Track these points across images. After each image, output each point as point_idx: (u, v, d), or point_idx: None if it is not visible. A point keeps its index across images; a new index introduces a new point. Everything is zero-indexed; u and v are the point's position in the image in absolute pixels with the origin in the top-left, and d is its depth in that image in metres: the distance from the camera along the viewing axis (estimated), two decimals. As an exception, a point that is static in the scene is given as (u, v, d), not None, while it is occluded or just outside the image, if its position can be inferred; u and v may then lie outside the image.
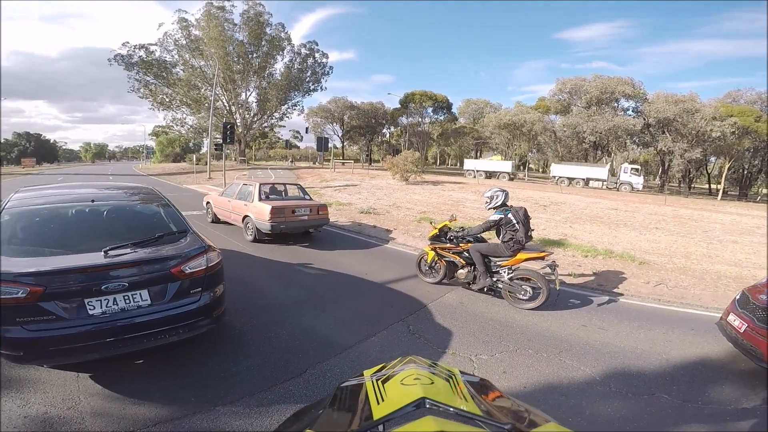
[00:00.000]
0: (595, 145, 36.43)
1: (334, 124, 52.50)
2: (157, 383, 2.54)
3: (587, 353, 3.25)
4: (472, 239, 4.66)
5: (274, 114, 41.68)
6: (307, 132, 49.91)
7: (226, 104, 37.85)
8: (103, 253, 2.47)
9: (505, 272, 4.30)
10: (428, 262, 4.90)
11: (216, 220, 8.56)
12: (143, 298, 2.50)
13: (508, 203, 4.43)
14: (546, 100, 40.83)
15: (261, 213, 6.69)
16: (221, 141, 16.66)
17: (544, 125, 39.28)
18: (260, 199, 6.98)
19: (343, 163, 33.21)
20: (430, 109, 47.78)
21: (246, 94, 39.03)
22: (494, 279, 4.36)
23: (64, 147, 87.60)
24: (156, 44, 34.20)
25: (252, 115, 40.52)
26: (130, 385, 2.50)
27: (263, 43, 36.66)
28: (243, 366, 2.78)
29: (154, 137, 64.20)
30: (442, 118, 49.04)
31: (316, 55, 40.72)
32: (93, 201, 3.14)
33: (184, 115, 38.12)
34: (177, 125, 39.09)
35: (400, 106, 47.49)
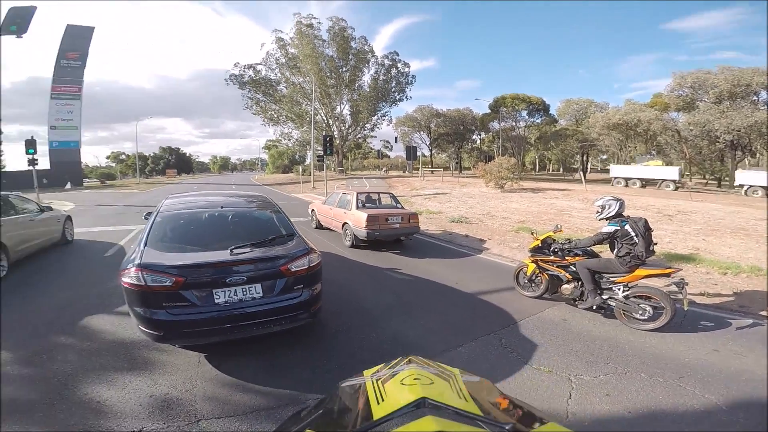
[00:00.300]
0: (733, 145, 29.41)
1: (421, 132, 53.27)
2: (258, 375, 2.82)
3: (715, 380, 2.82)
4: (580, 252, 4.30)
5: (366, 125, 44.15)
6: (396, 141, 51.78)
7: (324, 118, 41.51)
8: (229, 251, 2.93)
9: (619, 289, 3.91)
10: (528, 274, 4.68)
11: (319, 226, 9.46)
12: (257, 291, 2.92)
13: (624, 213, 4.01)
14: (663, 96, 35.35)
15: (358, 220, 7.22)
16: (323, 153, 18.14)
17: (663, 124, 33.62)
18: (358, 208, 7.54)
19: (432, 172, 33.42)
20: (524, 112, 45.13)
21: (340, 107, 42.35)
22: (605, 297, 3.99)
23: (197, 159, 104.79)
24: (261, 63, 39.45)
25: (347, 126, 43.60)
26: (238, 373, 2.84)
27: (350, 56, 39.36)
28: (334, 364, 3.00)
29: (267, 150, 73.85)
30: (539, 120, 45.78)
31: (399, 65, 42.14)
32: (222, 207, 3.75)
33: (290, 129, 43.09)
34: (284, 139, 44.39)
35: (490, 111, 45.95)
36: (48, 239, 6.79)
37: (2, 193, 6.10)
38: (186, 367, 2.91)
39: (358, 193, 7.97)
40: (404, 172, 46.53)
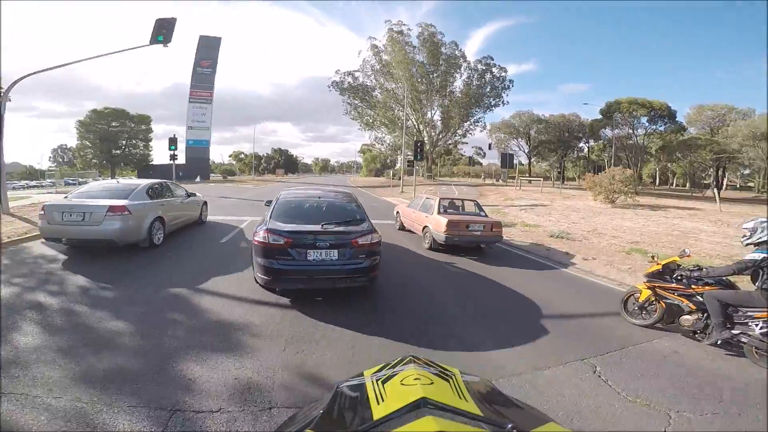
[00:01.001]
0: None
1: (519, 139, 50.39)
2: (338, 373, 2.83)
3: None
4: (712, 282, 3.76)
5: (458, 131, 43.76)
6: (490, 148, 50.13)
7: (415, 123, 42.42)
8: (320, 226, 4.22)
9: (756, 325, 3.38)
10: (640, 301, 4.23)
11: (402, 228, 9.83)
12: (334, 255, 4.12)
13: None
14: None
15: (438, 225, 7.42)
16: (413, 158, 18.34)
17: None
18: (439, 213, 7.75)
19: (529, 181, 31.14)
20: (644, 119, 39.23)
21: (431, 113, 42.77)
22: (736, 332, 3.45)
23: (302, 161, 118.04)
24: (358, 70, 42.09)
25: (437, 132, 43.81)
26: (318, 368, 2.99)
27: (441, 62, 39.42)
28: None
29: (361, 154, 79.02)
30: (662, 128, 39.28)
31: (494, 69, 40.90)
32: (319, 198, 5.16)
33: (383, 134, 45.09)
34: (378, 143, 46.67)
35: (601, 116, 41.14)
36: (190, 218, 8.76)
37: (162, 181, 8.14)
38: (272, 353, 3.16)
39: (441, 199, 8.21)
40: (497, 180, 44.63)
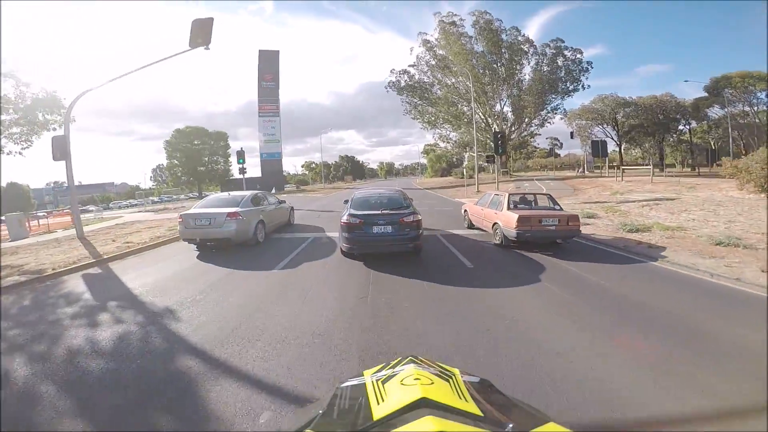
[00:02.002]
0: None
1: (604, 125, 46.51)
2: None
3: None
4: None
5: (533, 121, 42.06)
6: (572, 137, 47.02)
7: (482, 117, 41.62)
8: (380, 211, 6.91)
9: None
10: None
11: (471, 226, 10.36)
12: (389, 229, 6.63)
13: None
14: None
15: (508, 221, 7.71)
16: (494, 152, 17.23)
17: None
18: (509, 208, 8.07)
19: (623, 170, 27.89)
20: (762, 94, 33.81)
21: (500, 105, 41.51)
22: None
23: (368, 166, 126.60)
24: (413, 65, 42.14)
25: (509, 125, 42.46)
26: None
27: (503, 50, 37.90)
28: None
29: (425, 155, 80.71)
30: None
31: (566, 52, 38.30)
32: (379, 194, 7.88)
33: (447, 132, 45.05)
34: (442, 141, 46.62)
35: (707, 94, 36.20)
36: (282, 221, 11.09)
37: (260, 191, 10.49)
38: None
39: (510, 194, 8.55)
40: (578, 171, 41.79)
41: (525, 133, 44.40)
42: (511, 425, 0.76)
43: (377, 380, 1.00)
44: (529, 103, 38.96)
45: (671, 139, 45.49)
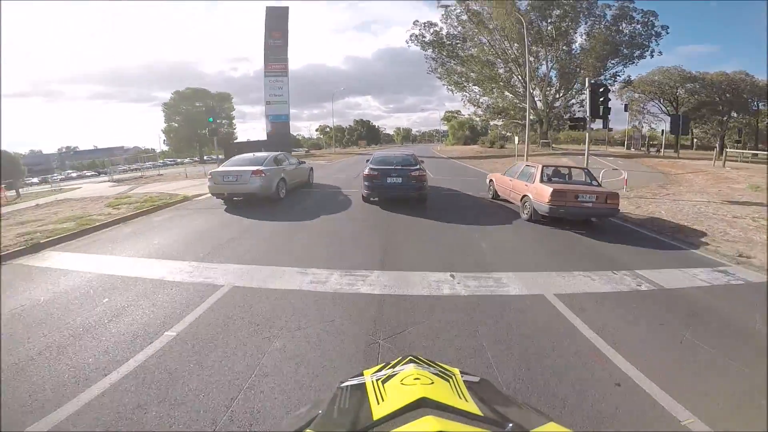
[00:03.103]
0: None
1: (661, 100, 45.68)
2: None
3: None
4: None
5: (585, 88, 41.00)
6: (626, 110, 46.42)
7: (521, 80, 40.82)
8: (393, 166, 10.27)
9: None
10: None
11: (496, 197, 11.17)
12: (400, 180, 9.92)
13: None
14: None
15: (541, 194, 8.06)
16: (588, 113, 12.36)
17: None
18: (542, 181, 8.42)
19: (725, 153, 25.18)
20: None
21: (547, 66, 40.70)
22: None
23: (384, 131, 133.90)
24: (442, 20, 41.13)
25: (553, 91, 41.81)
26: None
27: (552, 7, 36.92)
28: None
29: (446, 122, 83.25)
30: None
31: (634, 14, 37.03)
32: (394, 155, 11.38)
33: (477, 95, 44.72)
34: (473, 105, 46.29)
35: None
36: (302, 180, 13.52)
37: (282, 152, 12.85)
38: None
39: (543, 166, 8.89)
40: (630, 149, 41.43)
41: (573, 101, 43.68)
42: (511, 425, 0.82)
43: (377, 380, 1.09)
44: (586, 66, 37.95)
45: (743, 121, 44.78)
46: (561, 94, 42.08)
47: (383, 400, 0.95)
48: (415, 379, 1.04)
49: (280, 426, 1.49)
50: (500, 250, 6.68)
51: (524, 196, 8.87)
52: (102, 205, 11.33)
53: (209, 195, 11.09)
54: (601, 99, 12.26)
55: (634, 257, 6.38)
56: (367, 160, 11.03)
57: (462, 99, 46.58)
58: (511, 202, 10.23)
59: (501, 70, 40.87)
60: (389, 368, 1.21)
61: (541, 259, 6.28)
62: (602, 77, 39.45)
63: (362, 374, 1.21)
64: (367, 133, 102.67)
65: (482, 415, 0.87)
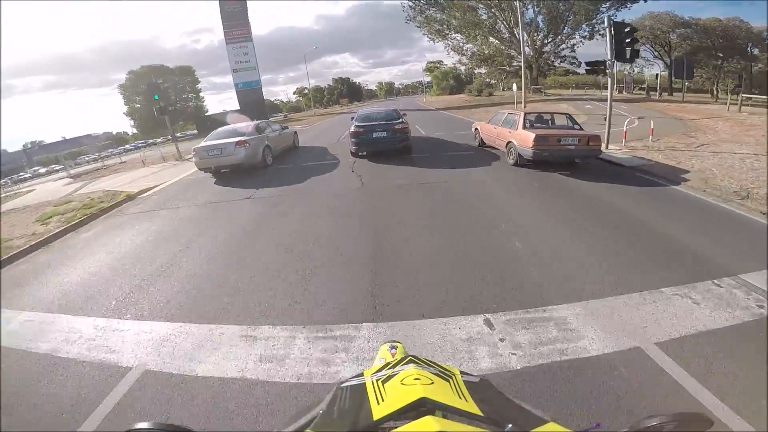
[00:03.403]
0: None
1: (653, 45, 45.83)
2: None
3: None
4: None
5: (578, 32, 41.10)
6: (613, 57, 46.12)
7: (506, 26, 40.68)
8: (377, 122, 11.37)
9: None
10: None
11: (482, 144, 11.92)
12: (384, 134, 11.03)
13: None
14: None
15: (524, 140, 8.62)
16: (610, 57, 11.22)
17: None
18: (524, 127, 8.97)
19: (743, 97, 24.95)
20: None
21: (534, 11, 40.14)
22: None
23: (366, 87, 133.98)
24: None
25: (541, 36, 41.43)
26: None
27: None
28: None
29: (428, 72, 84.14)
30: None
31: None
32: (378, 110, 12.61)
33: (461, 43, 44.11)
34: (457, 53, 45.61)
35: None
36: (287, 145, 14.40)
37: (264, 120, 14.22)
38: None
39: (525, 113, 9.59)
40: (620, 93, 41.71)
41: (564, 46, 43.45)
42: (510, 425, 0.85)
43: (377, 380, 1.12)
44: (577, 9, 37.71)
45: (739, 66, 45.58)
46: (550, 39, 41.90)
47: (383, 400, 0.99)
48: (415, 379, 1.07)
49: (280, 426, 1.49)
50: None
51: (509, 142, 9.53)
52: (33, 219, 9.57)
53: (160, 188, 11.13)
54: (627, 40, 11.07)
55: (724, 250, 4.62)
56: (352, 118, 11.88)
57: (445, 48, 46.46)
58: (497, 149, 10.87)
59: (484, 16, 40.46)
60: (389, 368, 1.24)
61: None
62: (594, 21, 39.35)
63: (362, 374, 1.25)
64: (348, 91, 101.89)
65: (482, 415, 0.90)
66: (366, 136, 10.94)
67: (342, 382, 1.23)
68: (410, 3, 42.11)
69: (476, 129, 12.54)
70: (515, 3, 37.03)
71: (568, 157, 8.72)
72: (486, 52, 44.19)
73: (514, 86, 18.83)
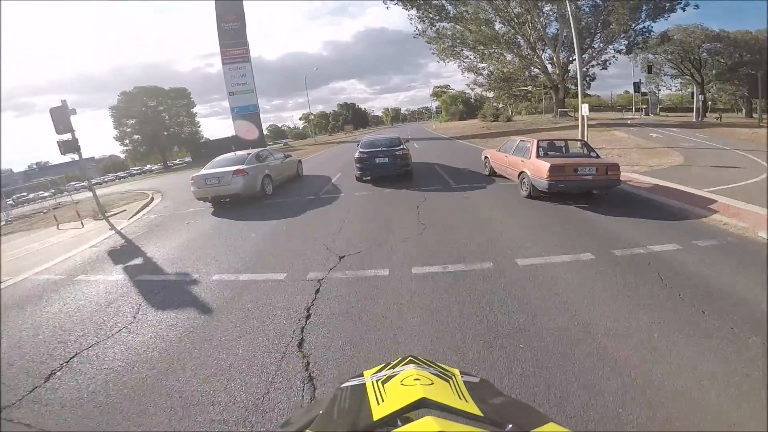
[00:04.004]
0: None
1: (682, 61, 46.80)
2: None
3: None
4: None
5: (612, 46, 40.31)
6: (650, 71, 46.72)
7: (525, 40, 40.85)
8: (380, 148, 13.51)
9: None
10: None
11: (492, 173, 12.48)
12: (386, 160, 13.03)
13: None
14: None
15: (538, 170, 8.79)
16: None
17: None
18: (538, 156, 9.20)
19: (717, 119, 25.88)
20: None
21: (560, 25, 39.39)
22: None
23: (372, 114, 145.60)
24: None
25: (566, 50, 41.06)
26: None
27: None
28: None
29: (435, 98, 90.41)
30: None
31: None
32: (382, 137, 15.03)
33: (475, 62, 44.11)
34: (472, 73, 45.50)
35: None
36: (290, 174, 15.78)
37: (265, 149, 14.86)
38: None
39: (539, 141, 9.77)
40: (642, 114, 42.36)
41: (594, 63, 42.85)
42: (510, 425, 0.92)
43: (377, 380, 1.21)
44: (617, 18, 36.73)
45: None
46: (574, 58, 41.34)
47: (383, 401, 1.07)
48: (415, 379, 1.16)
49: (280, 426, 1.68)
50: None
51: (521, 172, 9.73)
52: None
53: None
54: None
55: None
56: (357, 143, 14.89)
57: (460, 67, 46.45)
58: (508, 178, 11.16)
59: (501, 30, 40.56)
60: (389, 369, 1.34)
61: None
62: (630, 31, 38.41)
63: (362, 375, 1.34)
64: (353, 117, 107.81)
65: (482, 415, 0.97)
66: (370, 162, 12.85)
67: (342, 383, 1.32)
68: (419, 14, 41.94)
69: (486, 157, 13.11)
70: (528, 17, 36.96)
71: (585, 188, 8.88)
72: (505, 70, 44.43)
73: (585, 107, 17.34)
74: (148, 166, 63.41)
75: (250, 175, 11.60)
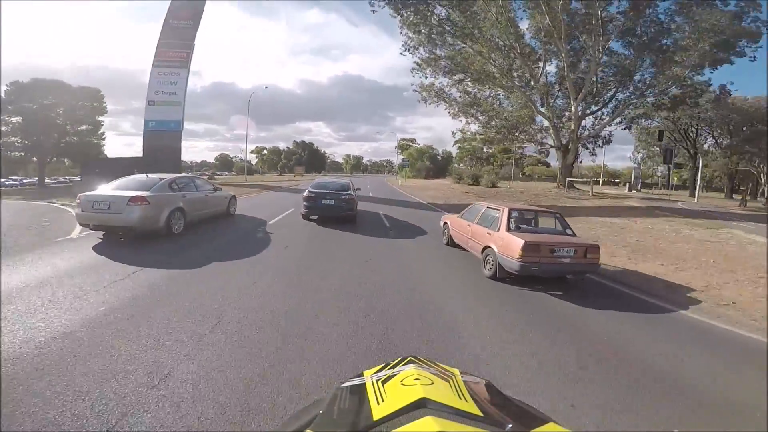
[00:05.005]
0: None
1: (698, 127, 50.74)
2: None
3: None
4: None
5: (647, 92, 39.84)
6: (660, 138, 47.86)
7: (543, 82, 41.65)
8: (328, 190, 16.63)
9: None
10: None
11: (450, 243, 12.18)
12: (333, 202, 16.06)
13: None
14: None
15: (508, 247, 8.39)
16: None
17: None
18: (508, 230, 8.85)
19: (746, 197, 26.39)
20: None
21: (587, 64, 39.39)
22: None
23: (332, 159, 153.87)
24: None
25: (583, 107, 41.33)
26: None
27: None
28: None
29: (399, 151, 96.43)
30: None
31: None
32: (333, 181, 19.11)
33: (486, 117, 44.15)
34: (466, 118, 45.85)
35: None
36: (217, 211, 15.33)
37: (189, 175, 15.32)
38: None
39: (510, 210, 9.45)
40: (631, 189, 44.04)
41: (608, 120, 43.54)
42: (510, 425, 1.05)
43: (377, 380, 1.36)
44: (693, 54, 35.24)
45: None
46: (598, 108, 42.00)
47: (383, 401, 1.20)
48: (415, 379, 1.31)
49: (280, 426, 1.92)
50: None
51: (486, 247, 9.36)
52: None
53: None
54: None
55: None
56: (310, 182, 18.77)
57: (462, 115, 46.89)
58: (468, 251, 10.88)
59: (494, 69, 41.05)
60: (389, 369, 1.53)
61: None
62: (670, 81, 38.29)
63: (362, 375, 1.52)
64: (309, 158, 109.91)
65: (482, 415, 1.10)
66: (316, 202, 15.81)
67: (342, 383, 1.49)
68: (407, 33, 41.67)
69: (445, 223, 13.07)
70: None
71: (561, 273, 8.77)
72: (518, 114, 44.22)
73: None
74: (12, 180, 59.42)
75: (151, 205, 10.67)
